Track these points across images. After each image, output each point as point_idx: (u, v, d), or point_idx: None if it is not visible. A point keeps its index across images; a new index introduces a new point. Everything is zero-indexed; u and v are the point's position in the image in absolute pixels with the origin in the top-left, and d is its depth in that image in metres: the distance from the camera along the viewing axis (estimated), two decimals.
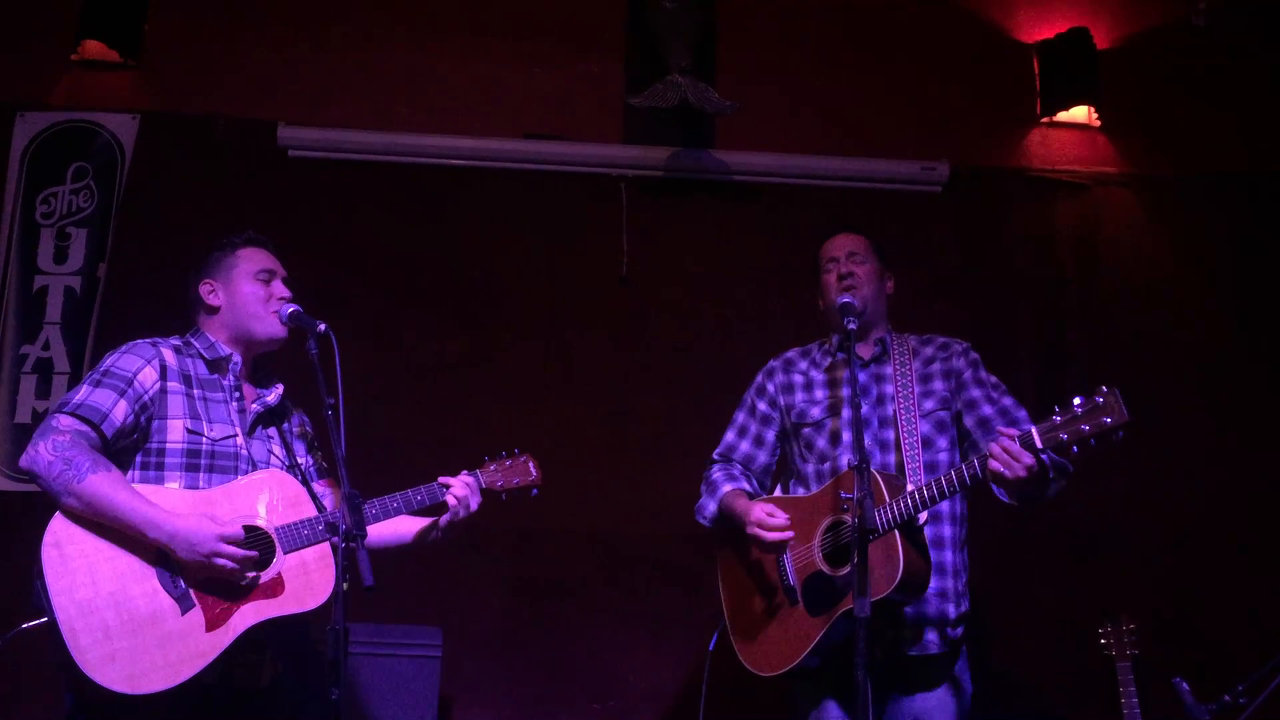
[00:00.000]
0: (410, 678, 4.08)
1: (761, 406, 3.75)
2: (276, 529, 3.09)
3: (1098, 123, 5.42)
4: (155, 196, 5.04)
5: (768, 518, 3.40)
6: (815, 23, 5.43)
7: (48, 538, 2.92)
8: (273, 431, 3.32)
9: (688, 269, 5.21)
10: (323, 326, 3.14)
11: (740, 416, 3.80)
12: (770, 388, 3.74)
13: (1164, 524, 5.01)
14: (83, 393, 3.08)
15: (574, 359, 5.09)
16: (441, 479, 3.35)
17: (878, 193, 5.27)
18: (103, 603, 2.89)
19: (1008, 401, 3.53)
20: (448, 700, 4.49)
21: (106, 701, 2.86)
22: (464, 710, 4.67)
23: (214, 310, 3.32)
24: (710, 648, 3.69)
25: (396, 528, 3.39)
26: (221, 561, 2.94)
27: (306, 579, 3.08)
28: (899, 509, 3.20)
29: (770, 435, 3.74)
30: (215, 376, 3.26)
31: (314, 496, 3.21)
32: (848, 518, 3.29)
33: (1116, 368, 5.18)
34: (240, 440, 3.20)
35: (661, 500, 4.73)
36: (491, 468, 3.47)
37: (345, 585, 2.81)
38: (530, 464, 3.51)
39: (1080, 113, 5.40)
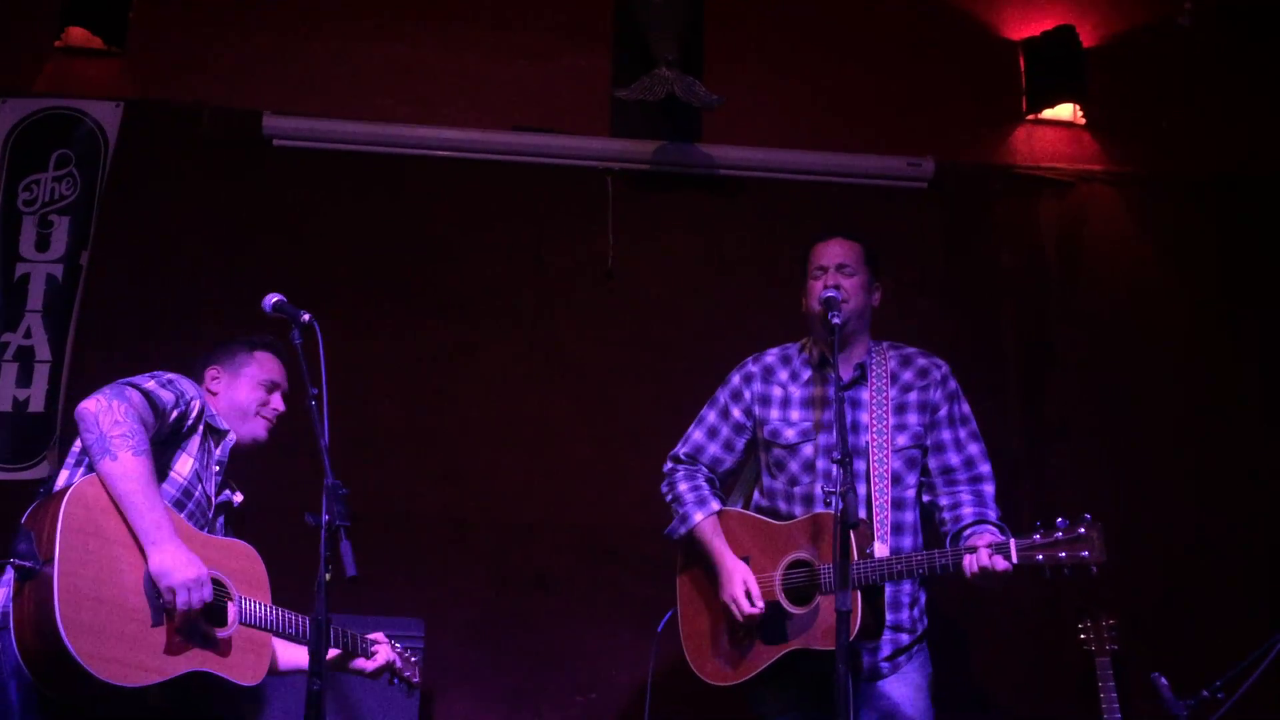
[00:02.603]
0: None
1: (736, 413, 3.68)
2: (240, 597, 3.18)
3: (1083, 120, 5.43)
4: (139, 185, 5.01)
5: (745, 601, 3.39)
6: (802, 18, 5.43)
7: (73, 494, 2.94)
8: (224, 528, 3.42)
9: (674, 263, 5.21)
10: (306, 316, 3.16)
11: (711, 417, 3.73)
12: (747, 395, 3.67)
13: (1145, 521, 5.03)
14: (150, 384, 3.16)
15: (559, 352, 5.08)
16: (370, 636, 3.51)
17: (864, 188, 5.27)
18: (93, 575, 2.91)
19: (974, 450, 3.54)
20: (429, 692, 4.49)
21: (55, 661, 2.84)
22: (446, 702, 4.67)
23: (213, 395, 3.43)
24: (659, 629, 3.70)
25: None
26: (182, 597, 2.96)
27: (250, 656, 3.16)
28: (865, 573, 3.24)
29: (741, 443, 3.69)
30: (210, 443, 3.36)
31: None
32: (803, 553, 3.36)
33: (1099, 365, 5.20)
34: (211, 512, 3.33)
35: (645, 493, 4.70)
36: (397, 650, 3.59)
37: (328, 576, 2.83)
38: (419, 668, 3.68)
39: (1066, 110, 5.41)
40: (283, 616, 3.25)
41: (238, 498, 3.46)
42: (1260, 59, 5.43)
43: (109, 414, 2.98)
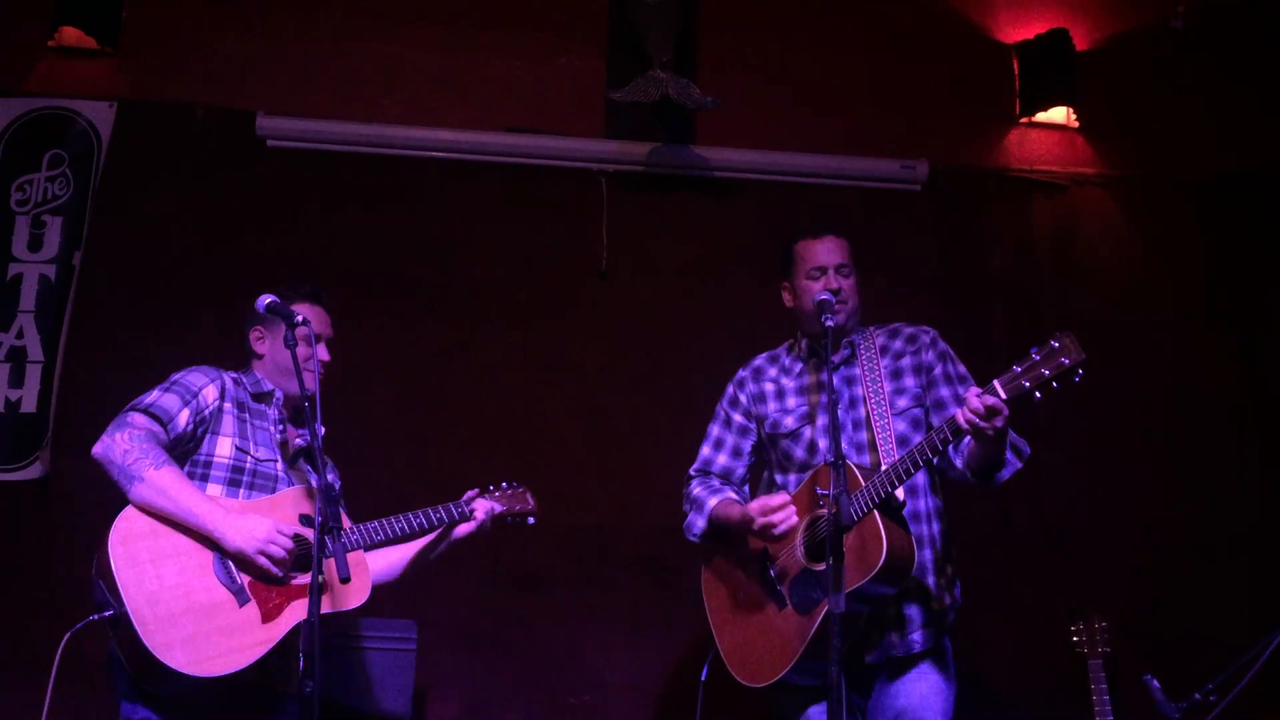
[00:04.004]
0: (385, 670, 4.07)
1: (736, 418, 3.69)
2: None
3: (1076, 124, 5.45)
4: (132, 185, 5.00)
5: (771, 507, 3.34)
6: (797, 20, 5.44)
7: (113, 536, 3.08)
8: (308, 469, 3.47)
9: (667, 264, 5.21)
10: (299, 316, 3.21)
11: (715, 430, 3.74)
12: (743, 398, 3.69)
13: (1136, 523, 5.05)
14: (153, 396, 3.28)
15: (552, 353, 5.08)
16: (466, 497, 3.58)
17: (857, 190, 5.28)
18: (168, 594, 3.04)
19: None
20: (422, 692, 4.48)
21: (169, 683, 2.99)
22: (439, 703, 4.66)
23: (260, 356, 3.50)
24: (703, 677, 3.60)
25: (407, 551, 3.59)
26: (274, 549, 3.10)
27: (348, 583, 3.18)
28: (874, 489, 3.21)
29: (748, 446, 3.69)
30: (262, 407, 3.44)
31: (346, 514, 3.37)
32: (824, 511, 3.28)
33: (1090, 366, 5.20)
34: (281, 466, 3.39)
35: (639, 494, 4.73)
36: (497, 494, 3.67)
37: (321, 577, 2.86)
38: (528, 494, 3.72)
39: (1059, 114, 5.43)
40: (366, 531, 3.33)
41: (320, 431, 3.45)
42: (1252, 62, 5.45)
43: (117, 446, 3.13)
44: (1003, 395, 3.06)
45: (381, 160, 5.13)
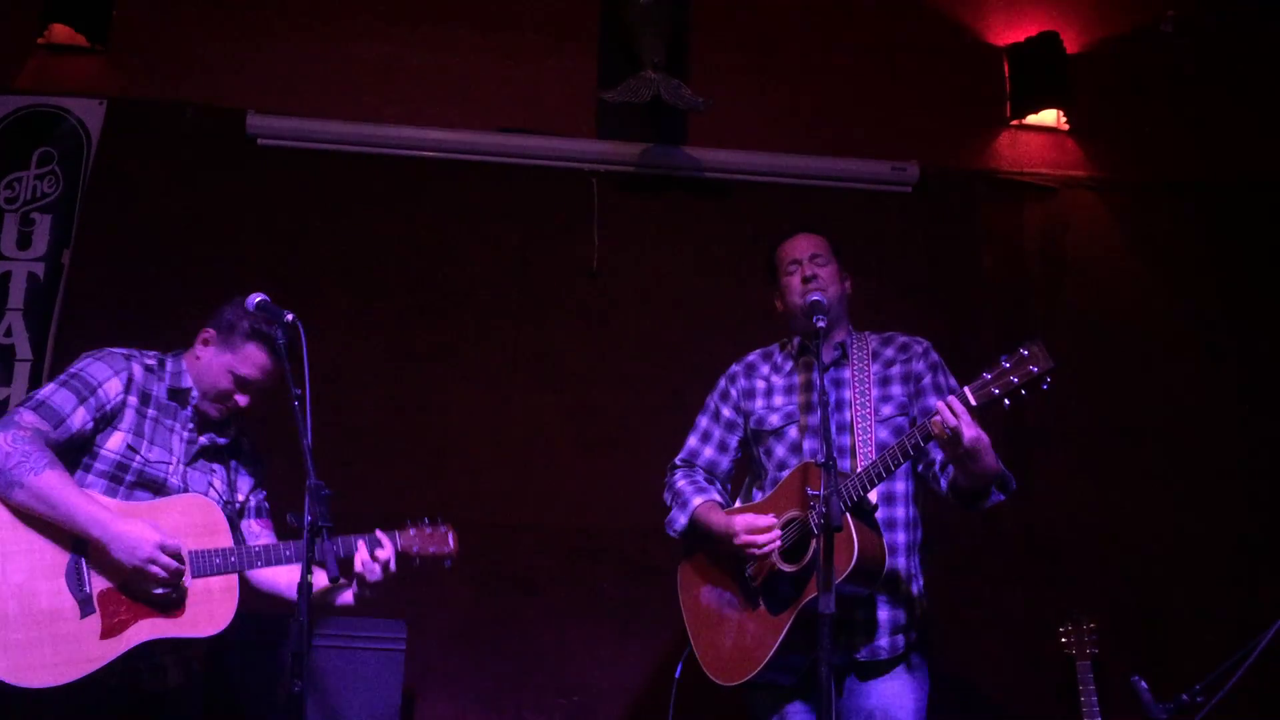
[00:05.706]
0: (374, 670, 4.05)
1: (726, 412, 3.70)
2: (190, 552, 3.13)
3: (1066, 127, 5.46)
4: (121, 183, 4.99)
5: (757, 527, 3.34)
6: (788, 21, 5.44)
7: None
8: (217, 467, 3.36)
9: (658, 265, 5.22)
10: (290, 316, 3.18)
11: (703, 421, 3.75)
12: (733, 393, 3.70)
13: (1125, 525, 5.06)
14: (47, 390, 3.17)
15: (543, 353, 5.08)
16: (360, 536, 3.33)
17: (848, 192, 5.29)
18: (8, 592, 2.95)
19: None
20: (411, 693, 4.48)
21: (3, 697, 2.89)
22: (427, 703, 4.66)
23: (197, 357, 3.35)
24: (677, 675, 3.60)
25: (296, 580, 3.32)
26: (155, 570, 3.01)
27: (209, 605, 3.11)
28: (847, 491, 3.21)
29: (734, 441, 3.70)
30: (174, 405, 3.32)
31: (235, 529, 3.24)
32: (795, 511, 3.32)
33: (1081, 370, 5.23)
34: (174, 467, 3.26)
35: (629, 495, 4.72)
36: (410, 532, 3.46)
37: (310, 576, 2.83)
38: (450, 536, 3.51)
39: (1049, 116, 5.45)
40: (244, 553, 3.17)
41: (225, 438, 3.38)
42: (1242, 64, 5.47)
43: (0, 449, 3.01)
44: (973, 402, 3.10)
45: (372, 160, 5.12)
